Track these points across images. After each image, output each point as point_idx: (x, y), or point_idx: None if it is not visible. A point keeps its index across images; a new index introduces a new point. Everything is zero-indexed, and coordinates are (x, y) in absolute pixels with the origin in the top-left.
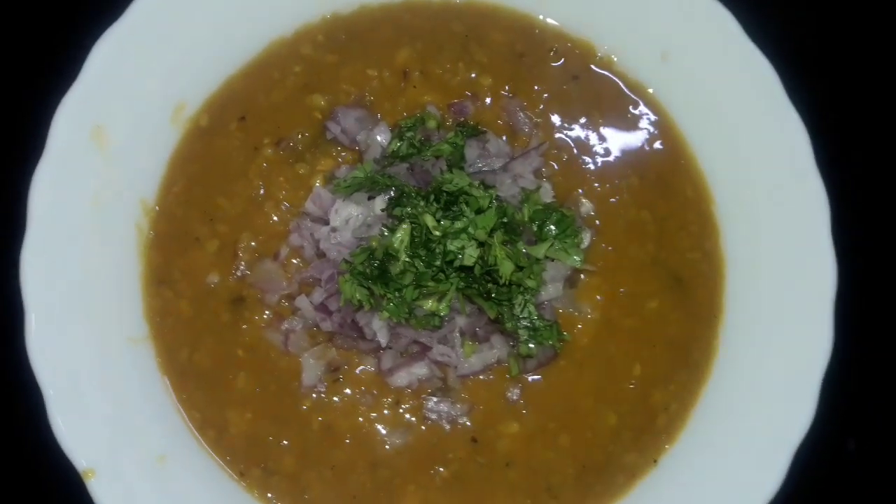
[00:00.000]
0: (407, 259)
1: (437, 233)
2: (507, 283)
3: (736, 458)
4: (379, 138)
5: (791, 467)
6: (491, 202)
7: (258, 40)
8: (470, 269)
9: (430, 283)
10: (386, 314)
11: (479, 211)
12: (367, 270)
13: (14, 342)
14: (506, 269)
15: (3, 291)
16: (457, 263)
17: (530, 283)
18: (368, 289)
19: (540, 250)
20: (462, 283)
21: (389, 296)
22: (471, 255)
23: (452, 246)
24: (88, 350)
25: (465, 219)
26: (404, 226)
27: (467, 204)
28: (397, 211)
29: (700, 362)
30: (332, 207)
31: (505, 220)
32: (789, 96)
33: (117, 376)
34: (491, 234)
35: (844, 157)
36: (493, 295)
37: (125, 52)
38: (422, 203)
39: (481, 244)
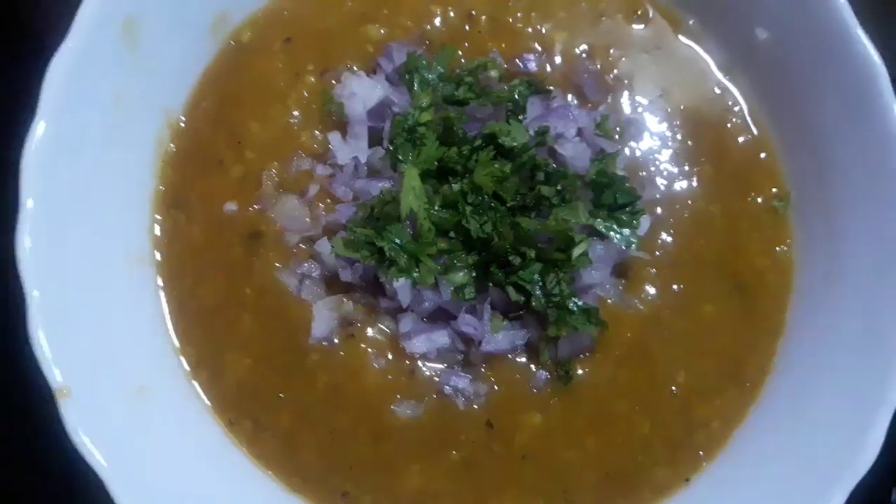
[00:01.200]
0: (426, 215)
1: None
2: (536, 255)
3: (777, 492)
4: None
5: None
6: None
7: None
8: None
9: (452, 250)
10: (399, 274)
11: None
12: (370, 228)
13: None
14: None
15: (4, 182)
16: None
17: (560, 256)
18: (379, 247)
19: (578, 212)
20: (482, 261)
21: (405, 258)
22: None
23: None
24: (83, 262)
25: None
26: (410, 171)
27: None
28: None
29: (752, 380)
30: (342, 146)
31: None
32: None
33: (110, 295)
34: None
35: None
36: (518, 273)
37: None
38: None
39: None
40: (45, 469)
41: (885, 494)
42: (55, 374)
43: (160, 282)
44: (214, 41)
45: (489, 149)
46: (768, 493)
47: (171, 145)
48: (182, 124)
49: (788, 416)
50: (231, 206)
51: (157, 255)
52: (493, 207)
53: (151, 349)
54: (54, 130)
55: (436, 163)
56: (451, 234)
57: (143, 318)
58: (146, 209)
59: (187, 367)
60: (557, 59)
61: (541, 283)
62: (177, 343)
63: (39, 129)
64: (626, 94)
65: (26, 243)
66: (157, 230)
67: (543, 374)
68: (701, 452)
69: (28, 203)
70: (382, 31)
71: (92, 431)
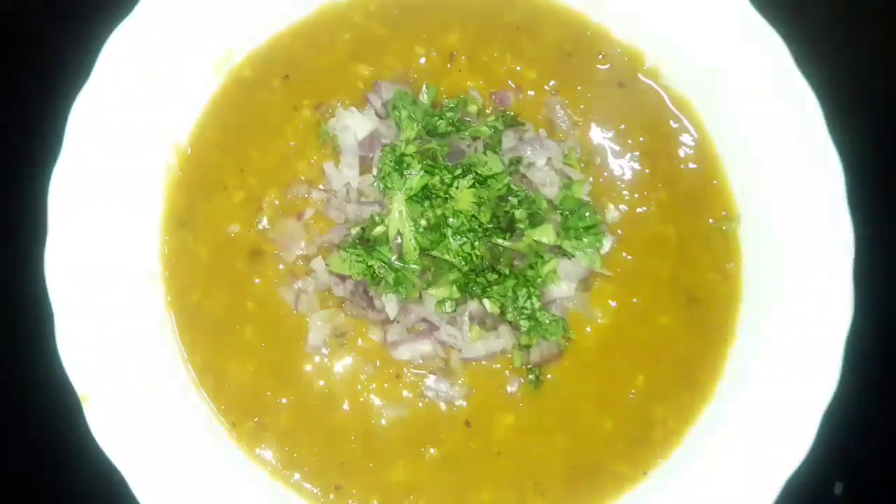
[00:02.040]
0: (411, 236)
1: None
2: (510, 272)
3: (726, 484)
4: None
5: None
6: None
7: (312, 1)
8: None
9: (435, 267)
10: (387, 289)
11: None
12: (361, 248)
13: (35, 259)
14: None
15: (34, 212)
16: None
17: (531, 272)
18: (369, 265)
19: (547, 233)
20: (462, 278)
21: (392, 275)
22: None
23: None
24: (102, 278)
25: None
26: (397, 197)
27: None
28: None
29: (704, 383)
30: (335, 174)
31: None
32: (833, 132)
33: (126, 309)
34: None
35: (879, 200)
36: (494, 287)
37: None
38: (447, 176)
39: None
40: (67, 468)
41: (828, 488)
42: (80, 382)
43: (169, 297)
44: (218, 77)
45: (469, 177)
46: (717, 484)
47: (179, 171)
48: (189, 152)
49: (736, 416)
50: (234, 227)
51: (167, 273)
52: (472, 229)
53: (164, 358)
54: (77, 162)
55: (420, 189)
56: (434, 253)
57: (156, 329)
58: (156, 230)
59: (195, 374)
60: (530, 95)
61: (514, 297)
62: (185, 352)
63: (63, 164)
64: (590, 126)
65: (53, 265)
66: (167, 249)
67: (517, 378)
68: (658, 449)
69: (54, 229)
70: (371, 70)
71: (114, 433)
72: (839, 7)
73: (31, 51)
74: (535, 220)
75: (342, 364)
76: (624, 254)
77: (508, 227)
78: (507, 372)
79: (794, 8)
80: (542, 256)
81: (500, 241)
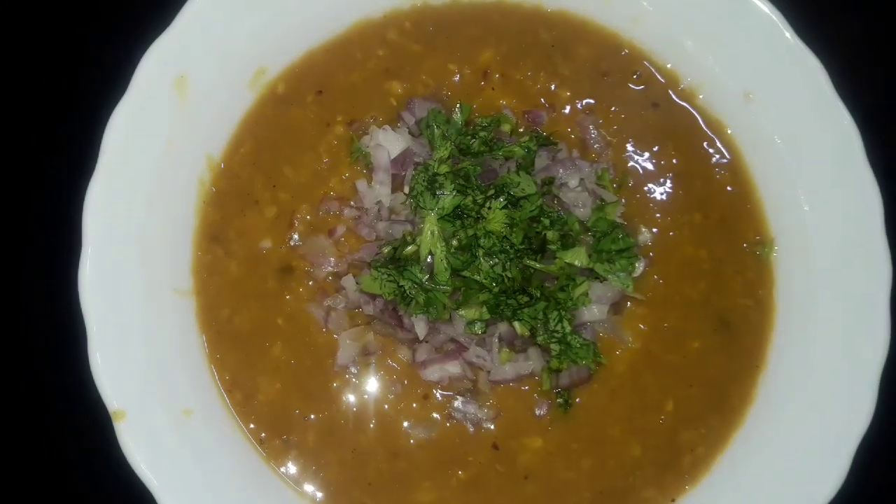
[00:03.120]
0: (443, 256)
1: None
2: (541, 294)
3: None
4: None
5: None
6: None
7: (347, 18)
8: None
9: (466, 288)
10: (417, 310)
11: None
12: (392, 267)
13: (69, 276)
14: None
15: (68, 227)
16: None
17: (562, 295)
18: (400, 285)
19: (580, 256)
20: (492, 299)
21: (423, 296)
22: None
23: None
24: (135, 294)
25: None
26: (429, 217)
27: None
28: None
29: (735, 409)
30: (367, 191)
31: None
32: (869, 159)
33: (158, 326)
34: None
35: None
36: (524, 310)
37: (219, 8)
38: (479, 196)
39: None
40: (100, 486)
41: None
42: (112, 399)
43: (200, 312)
44: (252, 93)
45: (501, 198)
46: None
47: (213, 187)
48: (222, 167)
49: (766, 444)
50: (266, 244)
51: (198, 288)
52: (504, 250)
53: (194, 374)
54: (112, 179)
55: (452, 209)
56: (465, 273)
57: (187, 345)
58: (188, 245)
59: (224, 390)
60: (563, 114)
61: (545, 320)
62: (214, 368)
63: (98, 179)
64: (624, 147)
65: (87, 281)
66: (199, 265)
67: (545, 401)
68: (686, 475)
69: (88, 245)
70: (404, 87)
71: (145, 452)
72: (870, 24)
73: (69, 67)
74: (567, 243)
75: (370, 383)
76: (656, 277)
77: (540, 249)
78: (535, 395)
79: (831, 29)
80: (573, 279)
81: (531, 262)
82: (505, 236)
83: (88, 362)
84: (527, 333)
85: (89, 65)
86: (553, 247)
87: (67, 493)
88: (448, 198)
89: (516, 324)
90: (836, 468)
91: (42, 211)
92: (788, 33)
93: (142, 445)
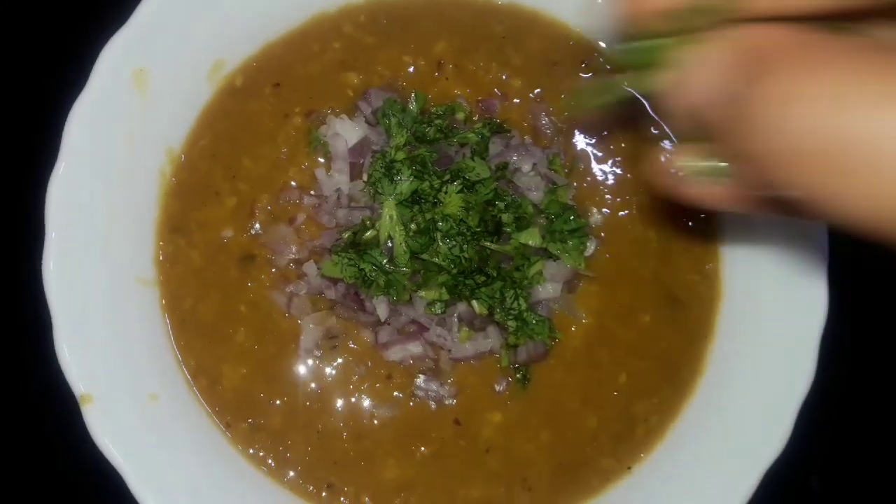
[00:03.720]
0: (402, 240)
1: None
2: (497, 273)
3: (707, 476)
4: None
5: (756, 499)
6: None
7: (303, 11)
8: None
9: (425, 270)
10: (378, 292)
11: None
12: (352, 252)
13: (33, 265)
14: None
15: (31, 216)
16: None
17: (518, 274)
18: (361, 269)
19: (533, 237)
20: (451, 280)
21: (383, 278)
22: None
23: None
24: (99, 283)
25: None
26: (388, 202)
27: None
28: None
29: (685, 380)
30: (326, 179)
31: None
32: None
33: (122, 314)
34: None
35: None
36: (482, 289)
37: (176, 3)
38: (435, 181)
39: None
40: (68, 469)
41: (805, 482)
42: (79, 383)
43: (164, 301)
44: (211, 86)
45: (457, 182)
46: (698, 477)
47: (173, 179)
48: (182, 159)
49: (715, 412)
50: (227, 233)
51: (161, 277)
52: (461, 233)
53: (159, 360)
54: (73, 171)
55: (410, 194)
56: (424, 256)
57: (151, 332)
58: (151, 236)
59: (189, 377)
60: (515, 102)
61: (501, 299)
62: (179, 355)
63: (61, 170)
64: (574, 133)
65: (51, 270)
66: (161, 255)
67: (504, 377)
68: (641, 444)
69: (52, 235)
70: (360, 78)
71: (112, 434)
72: None
73: (28, 62)
74: (521, 224)
75: (334, 365)
76: (607, 255)
77: (496, 231)
78: (494, 371)
79: None
80: (528, 259)
81: (487, 244)
82: (462, 219)
83: (54, 351)
84: (485, 312)
85: (48, 59)
86: (508, 229)
87: (35, 479)
88: (405, 183)
89: (475, 303)
90: (779, 429)
91: (3, 205)
92: None
93: (108, 427)
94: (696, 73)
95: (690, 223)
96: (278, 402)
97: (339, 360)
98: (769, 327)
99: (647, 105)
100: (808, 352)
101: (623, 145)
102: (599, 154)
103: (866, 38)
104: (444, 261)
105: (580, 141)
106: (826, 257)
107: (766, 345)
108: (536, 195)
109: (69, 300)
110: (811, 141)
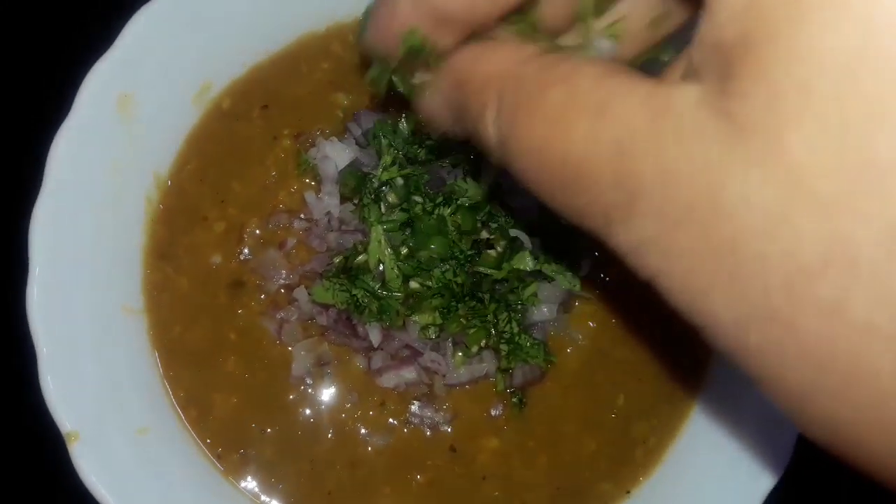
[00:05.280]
0: (393, 265)
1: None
2: (490, 297)
3: (707, 499)
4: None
5: None
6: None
7: (291, 32)
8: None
9: (417, 294)
10: (371, 318)
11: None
12: (344, 277)
13: (17, 298)
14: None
15: (15, 249)
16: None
17: (512, 297)
18: (353, 294)
19: (524, 262)
20: (444, 304)
21: (376, 303)
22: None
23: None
24: (85, 315)
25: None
26: (376, 227)
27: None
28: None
29: (683, 400)
30: (316, 203)
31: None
32: None
33: (109, 345)
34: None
35: None
36: (477, 313)
37: (162, 26)
38: (427, 203)
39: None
40: None
41: None
42: (65, 420)
43: (151, 330)
44: (197, 109)
45: (450, 205)
46: (699, 499)
47: (160, 205)
48: (169, 185)
49: (716, 432)
50: (216, 259)
51: (149, 305)
52: (454, 257)
53: (148, 392)
54: (58, 200)
55: (401, 215)
56: (416, 281)
57: (139, 363)
58: (138, 263)
59: (178, 408)
60: None
61: (495, 322)
62: (168, 385)
63: (45, 199)
64: None
65: (35, 302)
66: (148, 283)
67: (500, 402)
68: (640, 467)
69: (36, 269)
70: (350, 98)
71: (100, 473)
72: None
73: (9, 90)
74: (514, 247)
75: (326, 393)
76: (602, 275)
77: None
78: (490, 396)
79: None
80: (522, 280)
81: (480, 268)
82: (454, 241)
83: (38, 384)
84: (475, 349)
85: (31, 85)
86: (498, 249)
87: None
88: (395, 207)
89: (467, 335)
90: (782, 451)
91: None
92: None
93: (97, 466)
94: (428, 102)
95: None
96: (270, 431)
97: (332, 388)
98: None
99: None
100: None
101: None
102: None
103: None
104: (436, 285)
105: None
106: None
107: None
108: (530, 215)
109: (55, 333)
110: (538, 162)
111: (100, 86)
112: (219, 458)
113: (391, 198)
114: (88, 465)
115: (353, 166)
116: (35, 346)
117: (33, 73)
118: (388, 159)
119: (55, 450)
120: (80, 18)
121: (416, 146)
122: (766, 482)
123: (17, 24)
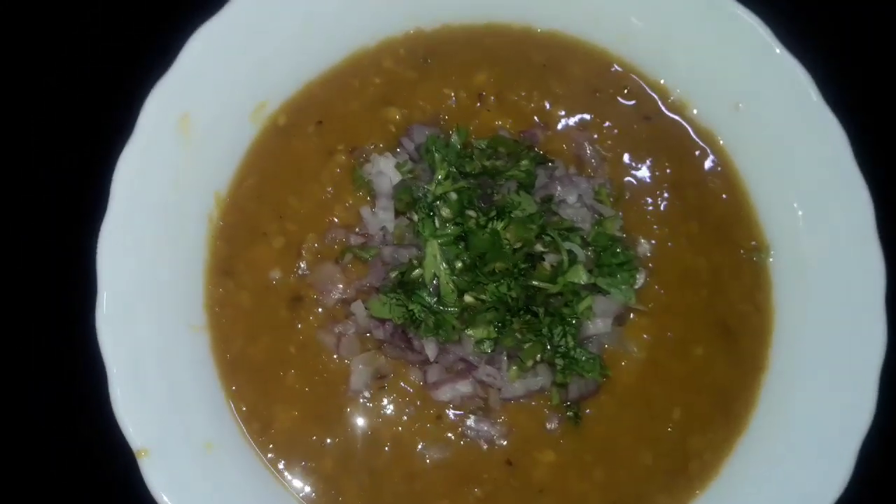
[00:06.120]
0: (448, 279)
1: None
2: (545, 310)
3: None
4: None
5: None
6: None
7: (342, 48)
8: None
9: (473, 308)
10: (427, 332)
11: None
12: (400, 291)
13: (85, 318)
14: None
15: (81, 270)
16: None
17: (566, 311)
18: (409, 309)
19: (579, 275)
20: (499, 318)
21: (432, 318)
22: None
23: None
24: (151, 333)
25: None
26: (431, 242)
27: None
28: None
29: (739, 414)
30: (371, 218)
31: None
32: (860, 161)
33: (175, 362)
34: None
35: None
36: (532, 327)
37: (218, 47)
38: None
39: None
40: None
41: None
42: (136, 437)
43: (214, 345)
44: (254, 127)
45: (503, 219)
46: None
47: (221, 221)
48: (228, 201)
49: (772, 446)
50: (275, 274)
51: (211, 321)
52: (508, 271)
53: (212, 406)
54: (122, 221)
55: (455, 229)
56: (471, 295)
57: (203, 378)
58: (200, 280)
59: (241, 421)
60: (558, 132)
61: (550, 336)
62: (231, 399)
63: (110, 221)
64: (619, 161)
65: (104, 324)
66: (210, 299)
67: (555, 415)
68: (696, 481)
69: (104, 292)
70: (402, 113)
71: (169, 487)
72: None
73: (74, 112)
74: (568, 261)
75: (384, 406)
76: (657, 287)
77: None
78: (545, 409)
79: (817, 36)
80: (577, 294)
81: (535, 282)
82: (508, 255)
83: (109, 403)
84: (530, 364)
85: (94, 110)
86: (553, 262)
87: None
88: (449, 222)
89: (522, 351)
90: (840, 468)
91: (54, 256)
92: (774, 43)
93: (166, 481)
94: None
95: (742, 251)
96: (329, 442)
97: (389, 401)
98: (825, 359)
99: (690, 131)
100: (867, 385)
101: (669, 172)
102: (646, 182)
103: None
104: (491, 299)
105: (625, 169)
106: (883, 287)
107: (822, 377)
108: (583, 228)
109: (123, 353)
110: None
111: (160, 107)
112: (279, 471)
113: (445, 212)
114: (158, 479)
115: (406, 182)
116: (105, 365)
117: (95, 96)
118: (441, 173)
119: (121, 466)
120: (138, 42)
121: (467, 159)
122: (823, 502)
123: (77, 50)
